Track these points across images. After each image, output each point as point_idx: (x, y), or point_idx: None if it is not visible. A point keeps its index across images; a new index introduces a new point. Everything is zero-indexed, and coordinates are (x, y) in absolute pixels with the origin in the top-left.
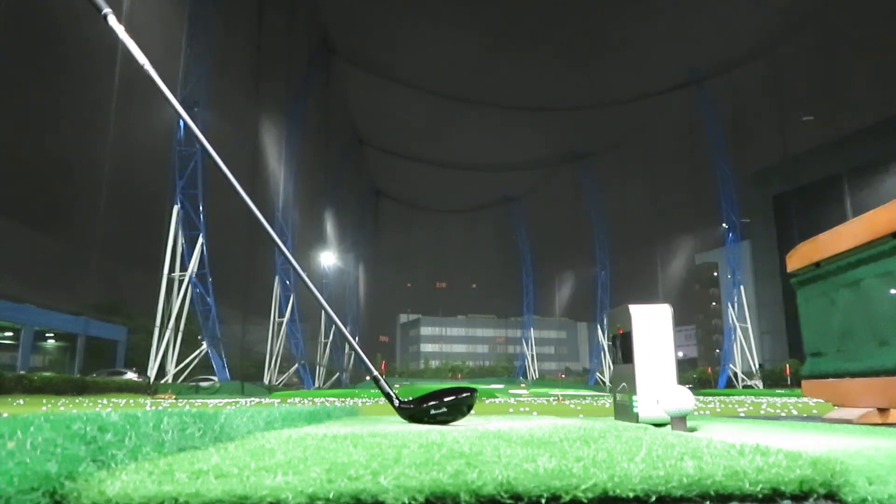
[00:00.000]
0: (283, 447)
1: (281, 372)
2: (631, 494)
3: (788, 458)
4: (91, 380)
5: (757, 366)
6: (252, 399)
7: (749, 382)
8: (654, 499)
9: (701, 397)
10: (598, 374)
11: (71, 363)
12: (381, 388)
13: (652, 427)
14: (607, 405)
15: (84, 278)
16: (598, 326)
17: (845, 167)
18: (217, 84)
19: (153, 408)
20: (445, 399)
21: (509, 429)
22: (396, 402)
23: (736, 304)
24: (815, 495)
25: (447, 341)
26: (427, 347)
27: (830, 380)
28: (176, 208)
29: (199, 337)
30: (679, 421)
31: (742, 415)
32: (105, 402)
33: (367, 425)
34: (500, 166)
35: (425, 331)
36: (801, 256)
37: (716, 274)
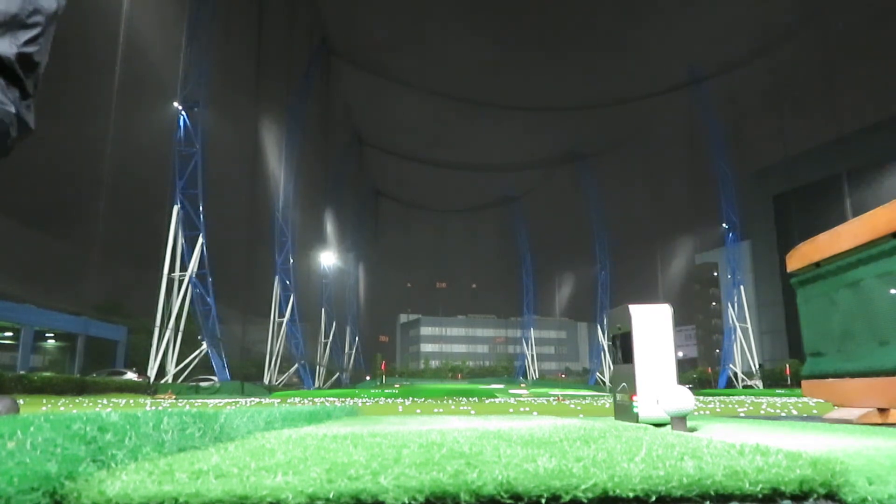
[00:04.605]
0: (283, 447)
1: (281, 372)
2: (631, 494)
3: (788, 458)
4: (91, 380)
5: (757, 366)
6: (252, 399)
7: (749, 382)
8: (654, 499)
9: (701, 397)
10: (598, 374)
11: (71, 363)
12: None
13: (652, 427)
14: (607, 405)
15: (84, 278)
16: (598, 326)
17: (845, 167)
18: (217, 84)
19: (153, 408)
20: None
21: (509, 429)
22: None
23: (736, 304)
24: (815, 495)
25: (447, 341)
26: (427, 347)
27: (830, 380)
28: (176, 208)
29: (199, 337)
30: (679, 421)
31: (742, 415)
32: (105, 402)
33: (367, 425)
34: (500, 166)
35: (425, 331)
36: (801, 256)
37: (716, 274)
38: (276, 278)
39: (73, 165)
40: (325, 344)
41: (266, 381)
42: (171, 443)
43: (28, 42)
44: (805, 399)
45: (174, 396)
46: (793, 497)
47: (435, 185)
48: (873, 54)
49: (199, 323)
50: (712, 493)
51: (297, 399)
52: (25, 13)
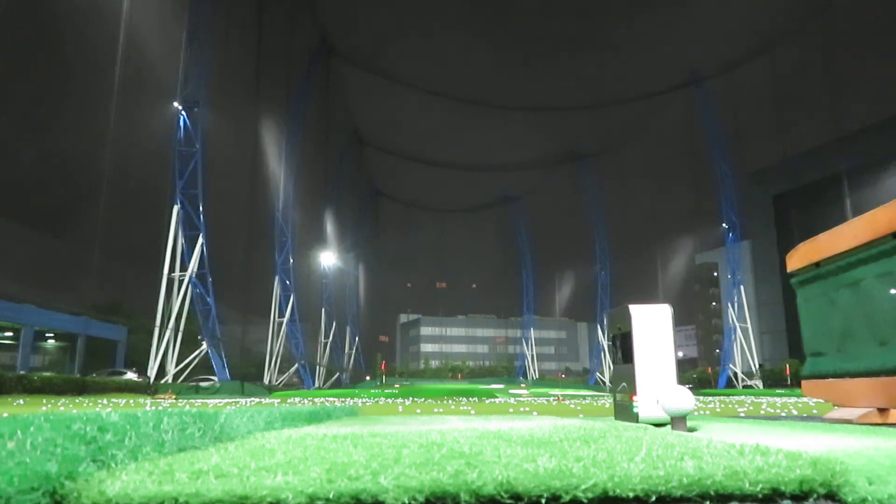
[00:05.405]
0: (283, 447)
1: (281, 372)
2: (631, 494)
3: (788, 458)
4: (91, 380)
5: (757, 366)
6: (252, 399)
7: (749, 382)
8: (654, 499)
9: (701, 397)
10: (598, 374)
11: (71, 363)
12: None
13: (652, 427)
14: (607, 405)
15: (84, 278)
16: (598, 326)
17: (845, 167)
18: (217, 84)
19: (153, 408)
20: None
21: (509, 429)
22: None
23: (736, 304)
24: (815, 495)
25: (447, 341)
26: (427, 347)
27: (830, 380)
28: (176, 208)
29: (199, 337)
30: (679, 421)
31: (742, 415)
32: (105, 402)
33: (367, 425)
34: (500, 166)
35: (425, 331)
36: (801, 256)
37: (716, 274)
38: (276, 278)
39: (73, 165)
40: (325, 344)
41: (266, 381)
42: (171, 443)
43: None
44: (805, 399)
45: (174, 396)
46: (793, 497)
47: (435, 185)
48: (873, 54)
49: (199, 323)
50: (712, 493)
51: (297, 399)
52: None
